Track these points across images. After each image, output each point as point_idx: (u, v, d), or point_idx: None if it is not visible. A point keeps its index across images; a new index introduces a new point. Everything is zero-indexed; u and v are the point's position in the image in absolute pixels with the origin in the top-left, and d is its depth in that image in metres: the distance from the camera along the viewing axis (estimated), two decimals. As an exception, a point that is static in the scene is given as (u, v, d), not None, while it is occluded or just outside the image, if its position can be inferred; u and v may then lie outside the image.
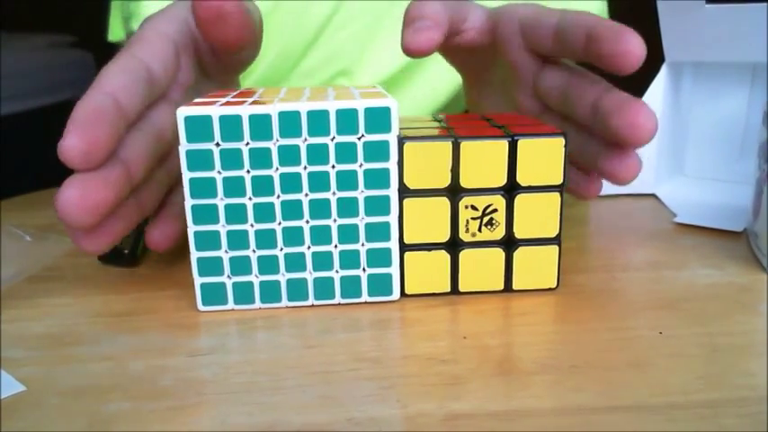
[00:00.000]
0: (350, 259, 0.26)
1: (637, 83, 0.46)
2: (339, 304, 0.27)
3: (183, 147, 0.25)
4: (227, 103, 0.25)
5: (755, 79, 0.40)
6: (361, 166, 0.25)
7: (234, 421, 0.20)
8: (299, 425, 0.20)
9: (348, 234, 0.26)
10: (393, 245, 0.26)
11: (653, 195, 0.41)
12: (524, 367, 0.22)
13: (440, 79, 0.60)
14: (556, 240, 0.27)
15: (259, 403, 0.21)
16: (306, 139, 0.25)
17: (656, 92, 0.40)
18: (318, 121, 0.25)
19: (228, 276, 0.26)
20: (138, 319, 0.26)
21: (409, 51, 0.30)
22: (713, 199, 0.39)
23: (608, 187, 0.41)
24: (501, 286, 0.27)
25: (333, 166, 0.25)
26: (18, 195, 0.46)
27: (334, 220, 0.26)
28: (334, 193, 0.26)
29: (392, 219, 0.26)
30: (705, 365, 0.22)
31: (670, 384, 0.21)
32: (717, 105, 0.42)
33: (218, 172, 0.25)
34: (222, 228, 0.26)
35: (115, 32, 0.61)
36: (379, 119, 0.25)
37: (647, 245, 0.34)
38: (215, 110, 0.25)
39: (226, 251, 0.26)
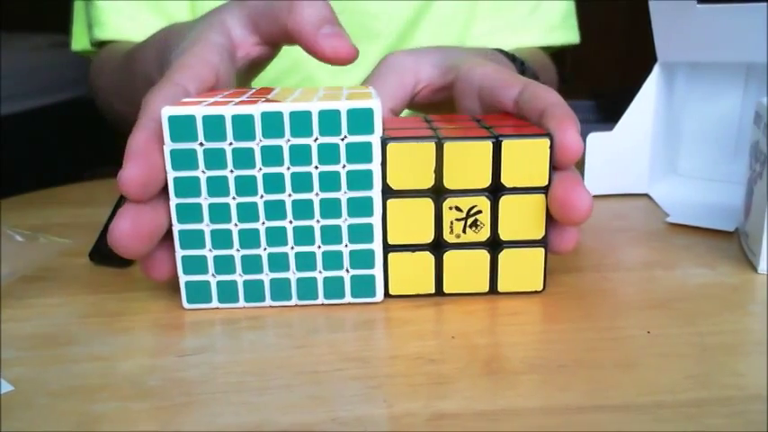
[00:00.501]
0: (333, 260, 0.26)
1: (629, 83, 0.46)
2: (323, 305, 0.27)
3: (168, 146, 0.25)
4: (214, 103, 0.25)
5: (749, 79, 0.40)
6: (344, 167, 0.25)
7: (222, 421, 0.20)
8: (285, 425, 0.20)
9: (331, 235, 0.26)
10: (376, 246, 0.26)
11: (646, 195, 0.41)
12: (512, 367, 0.22)
13: None
14: (542, 243, 0.27)
15: (247, 403, 0.21)
16: (289, 140, 0.25)
17: (649, 92, 0.40)
18: (301, 121, 0.25)
19: (213, 275, 0.27)
20: (129, 320, 0.27)
21: None
22: (706, 199, 0.39)
23: (600, 187, 0.41)
24: (486, 288, 0.27)
25: (316, 167, 0.25)
26: (17, 195, 0.46)
27: (317, 221, 0.26)
28: (317, 194, 0.26)
29: (375, 220, 0.26)
30: (694, 365, 0.22)
31: (658, 384, 0.21)
32: (711, 105, 0.42)
33: (203, 171, 0.25)
34: (206, 227, 0.26)
35: (79, 41, 0.60)
36: (361, 120, 0.25)
37: (639, 245, 0.34)
38: (199, 110, 0.25)
39: (210, 250, 0.26)
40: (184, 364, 0.23)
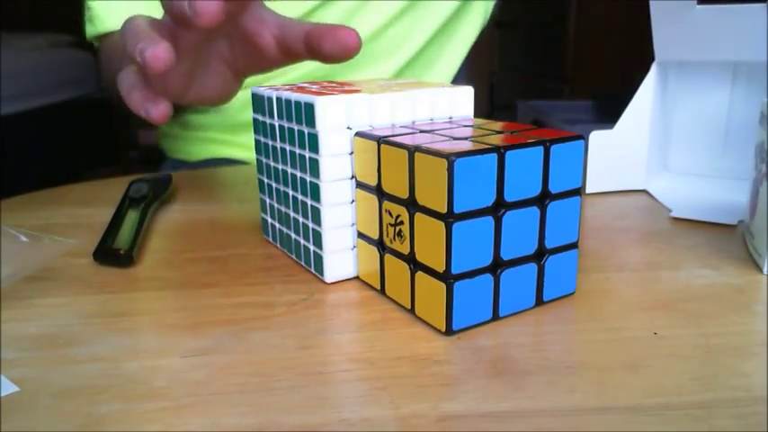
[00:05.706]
0: (304, 230, 0.30)
1: (629, 83, 0.46)
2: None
3: (253, 115, 0.33)
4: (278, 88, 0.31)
5: (737, 76, 0.41)
6: (307, 153, 0.28)
7: (226, 422, 0.20)
8: (291, 426, 0.19)
9: (302, 209, 0.30)
10: (324, 231, 0.28)
11: (644, 191, 0.41)
12: (518, 368, 0.22)
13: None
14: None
15: (252, 404, 0.21)
16: (276, 121, 0.30)
17: (647, 90, 0.40)
18: (280, 107, 0.30)
19: (269, 215, 0.34)
20: (133, 320, 0.26)
21: None
22: (701, 194, 0.40)
23: (602, 184, 0.41)
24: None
25: (291, 150, 0.30)
26: (18, 195, 0.46)
27: (294, 193, 0.30)
28: (294, 170, 0.30)
29: (323, 206, 0.28)
30: (700, 366, 0.22)
31: (664, 385, 0.21)
32: (699, 103, 0.42)
33: (263, 137, 0.33)
34: (264, 178, 0.34)
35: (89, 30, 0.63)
36: (308, 114, 0.27)
37: (643, 245, 0.33)
38: (255, 89, 0.32)
39: (267, 196, 0.34)
40: (189, 364, 0.23)
